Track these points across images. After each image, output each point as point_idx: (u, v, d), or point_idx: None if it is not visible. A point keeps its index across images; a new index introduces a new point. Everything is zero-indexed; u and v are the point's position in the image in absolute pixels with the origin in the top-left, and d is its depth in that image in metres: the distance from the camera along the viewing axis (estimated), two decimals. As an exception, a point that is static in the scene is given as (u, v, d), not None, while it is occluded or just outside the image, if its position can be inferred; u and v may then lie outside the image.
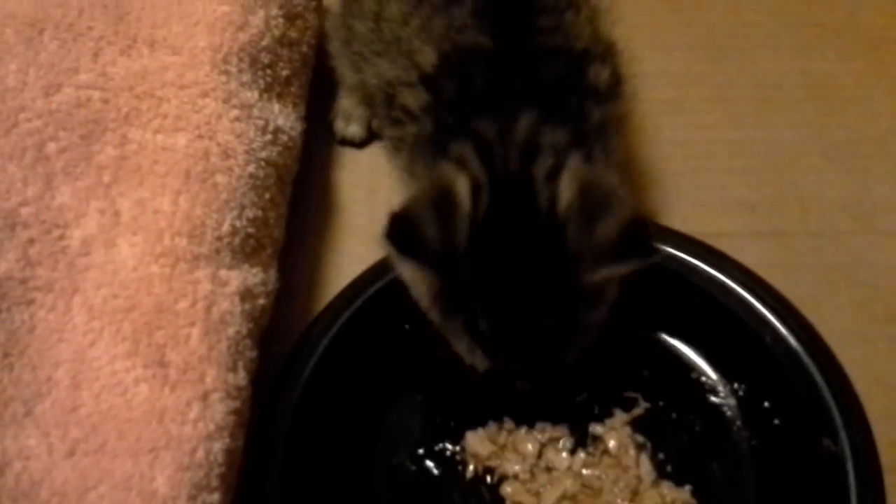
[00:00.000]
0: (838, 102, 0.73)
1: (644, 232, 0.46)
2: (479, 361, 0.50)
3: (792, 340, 0.55)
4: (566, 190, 0.47)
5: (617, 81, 0.54)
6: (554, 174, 0.48)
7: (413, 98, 0.53)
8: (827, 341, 0.56)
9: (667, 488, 0.53)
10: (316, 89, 0.69)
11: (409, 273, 0.49)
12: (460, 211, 0.46)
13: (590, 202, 0.47)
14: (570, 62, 0.53)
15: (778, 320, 0.56)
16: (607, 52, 0.54)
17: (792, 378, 0.55)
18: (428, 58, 0.53)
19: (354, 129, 0.69)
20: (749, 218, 0.66)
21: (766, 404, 0.55)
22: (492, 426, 0.56)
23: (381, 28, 0.57)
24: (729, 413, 0.56)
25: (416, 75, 0.53)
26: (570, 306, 0.47)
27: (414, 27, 0.54)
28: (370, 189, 0.68)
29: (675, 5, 0.79)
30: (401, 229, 0.46)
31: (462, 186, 0.47)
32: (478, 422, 0.56)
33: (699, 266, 0.57)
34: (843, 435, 0.52)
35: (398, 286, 0.58)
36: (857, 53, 0.77)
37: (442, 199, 0.46)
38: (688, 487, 0.53)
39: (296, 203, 0.63)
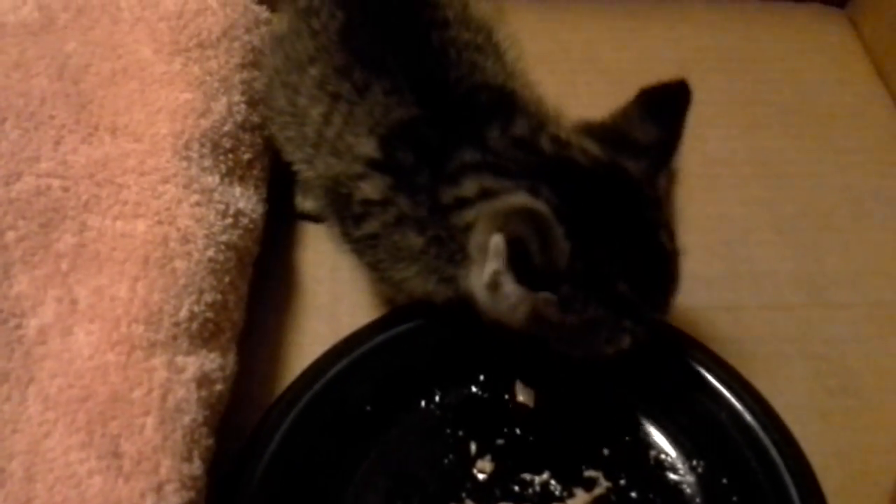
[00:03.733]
0: (787, 178, 0.76)
1: (658, 87, 0.52)
2: (622, 340, 0.50)
3: (748, 416, 0.56)
4: (588, 143, 0.51)
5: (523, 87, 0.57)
6: (558, 142, 0.51)
7: (371, 187, 0.54)
8: (782, 415, 0.57)
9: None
10: (277, 167, 0.69)
11: (531, 307, 0.49)
12: (549, 218, 0.46)
13: (609, 135, 0.52)
14: (498, 91, 0.55)
15: (733, 396, 0.57)
16: (522, 82, 0.58)
17: (748, 454, 0.55)
18: (367, 147, 0.54)
19: (311, 204, 0.70)
20: (703, 293, 0.67)
21: (725, 481, 0.56)
22: (453, 509, 0.55)
23: (304, 133, 0.58)
24: (689, 490, 0.56)
25: (362, 167, 0.54)
26: (664, 217, 0.51)
27: (337, 125, 0.56)
28: (333, 268, 0.69)
29: (626, 85, 0.81)
30: (526, 262, 0.46)
31: (530, 200, 0.47)
32: (439, 504, 0.56)
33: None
34: (799, 510, 0.53)
35: (359, 367, 0.59)
36: (805, 131, 0.80)
37: (534, 219, 0.46)
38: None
39: (257, 283, 0.63)
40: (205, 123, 0.58)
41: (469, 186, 0.51)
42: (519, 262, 0.47)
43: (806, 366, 0.64)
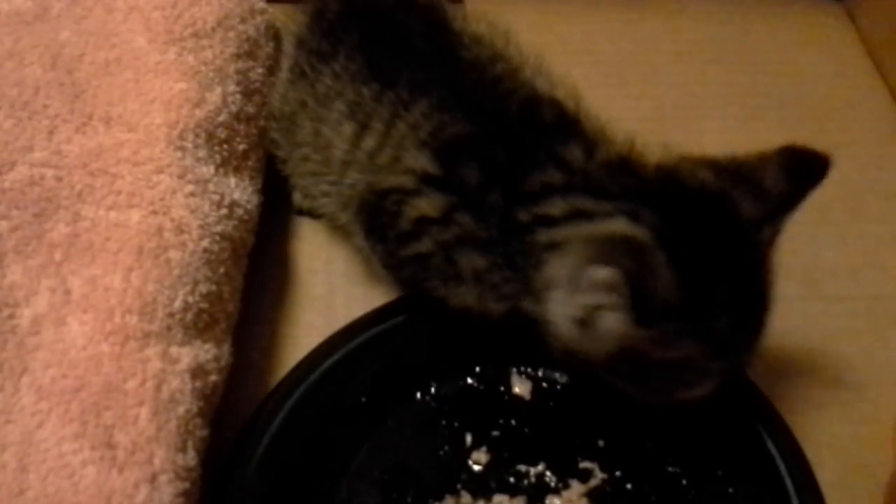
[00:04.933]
0: (784, 171, 0.76)
1: (803, 152, 0.50)
2: (704, 384, 0.48)
3: (743, 407, 0.56)
4: (700, 171, 0.49)
5: (580, 110, 0.56)
6: (664, 170, 0.50)
7: (429, 205, 0.52)
8: (778, 407, 0.57)
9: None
10: (273, 159, 0.69)
11: (628, 336, 0.46)
12: (655, 249, 0.44)
13: (732, 170, 0.49)
14: (552, 103, 0.54)
15: (729, 389, 0.56)
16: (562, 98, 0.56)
17: (744, 446, 0.55)
18: (420, 161, 0.52)
19: (310, 203, 0.70)
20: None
21: (720, 473, 0.56)
22: (449, 501, 0.55)
23: (327, 151, 0.58)
24: (684, 482, 0.56)
25: (417, 180, 0.52)
26: (767, 265, 0.49)
27: (374, 139, 0.55)
28: (327, 260, 0.69)
29: (623, 79, 0.81)
30: (649, 304, 0.44)
31: (632, 229, 0.46)
32: (434, 496, 0.55)
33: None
34: (794, 502, 0.53)
35: (355, 358, 0.59)
36: (801, 124, 0.80)
37: (636, 251, 0.44)
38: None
39: (252, 275, 0.63)
40: (199, 113, 0.58)
41: (556, 205, 0.49)
42: (640, 300, 0.43)
43: (803, 359, 0.64)
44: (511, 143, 0.51)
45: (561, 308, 0.48)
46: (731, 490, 0.55)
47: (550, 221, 0.49)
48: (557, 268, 0.48)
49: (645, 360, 0.47)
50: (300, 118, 0.60)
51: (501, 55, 0.57)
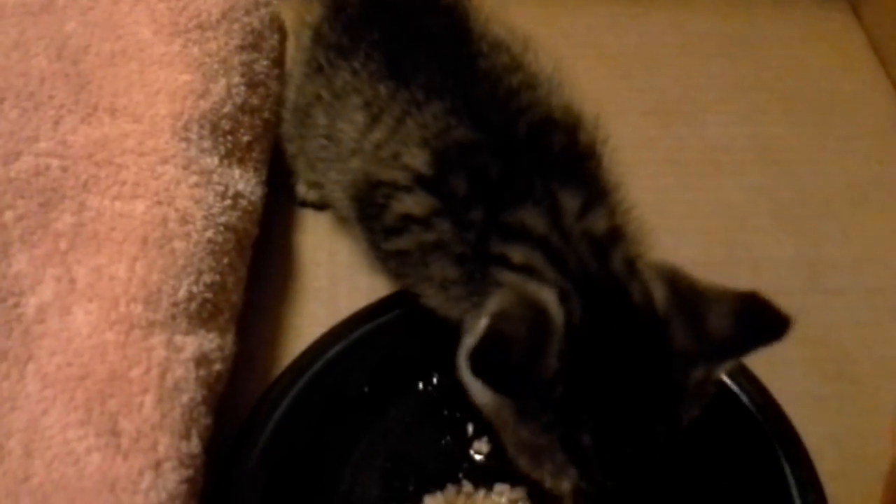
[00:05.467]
0: (787, 165, 0.76)
1: (762, 304, 0.44)
2: (563, 483, 0.46)
3: (744, 399, 0.56)
4: (656, 286, 0.46)
5: (596, 140, 0.54)
6: (630, 267, 0.47)
7: (415, 203, 0.52)
8: (778, 400, 0.57)
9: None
10: (278, 151, 0.70)
11: (492, 400, 0.46)
12: (554, 331, 0.43)
13: (686, 298, 0.45)
14: (566, 130, 0.52)
15: (729, 380, 0.57)
16: (580, 118, 0.54)
17: (744, 437, 0.55)
18: (418, 160, 0.52)
19: (315, 194, 0.70)
20: (701, 278, 0.67)
21: (718, 462, 0.56)
22: (450, 490, 0.56)
23: (338, 140, 0.58)
24: (682, 473, 0.56)
25: (411, 178, 0.52)
26: (675, 410, 0.44)
27: (382, 133, 0.54)
28: (331, 251, 0.69)
29: (626, 72, 0.82)
30: (490, 360, 0.42)
31: (552, 304, 0.44)
32: (436, 485, 0.56)
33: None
34: (794, 493, 0.53)
35: (357, 349, 0.59)
36: (806, 117, 0.80)
37: (536, 324, 0.43)
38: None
39: (255, 266, 0.63)
40: (204, 105, 0.58)
41: (519, 254, 0.48)
42: (488, 355, 0.42)
43: (803, 351, 0.64)
44: (510, 164, 0.50)
45: (462, 355, 0.47)
46: (728, 480, 0.55)
47: (508, 265, 0.48)
48: (485, 309, 0.46)
49: (514, 431, 0.46)
50: (315, 110, 0.61)
51: (520, 64, 0.56)
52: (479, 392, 0.46)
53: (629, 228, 0.51)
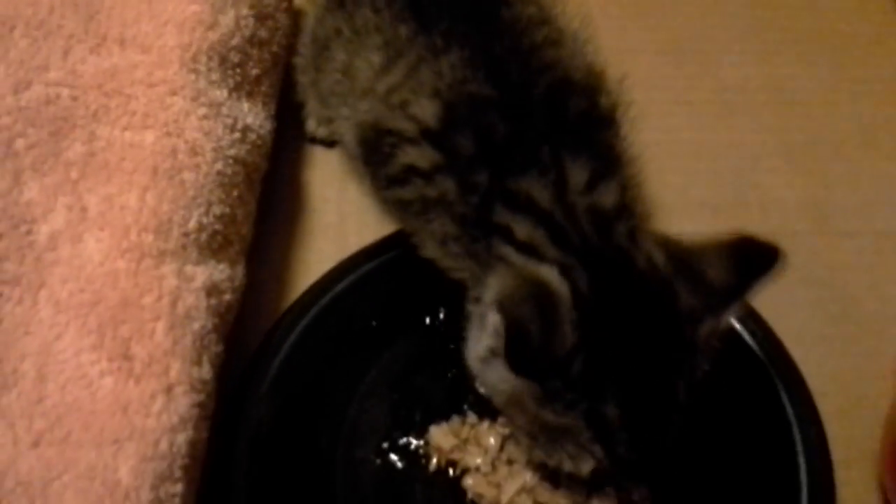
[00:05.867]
0: (799, 106, 0.75)
1: (752, 243, 0.46)
2: (583, 464, 0.46)
3: (747, 338, 0.57)
4: (656, 251, 0.46)
5: (617, 107, 0.53)
6: (632, 237, 0.47)
7: (420, 157, 0.51)
8: (784, 340, 0.58)
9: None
10: (287, 87, 0.69)
11: (514, 388, 0.45)
12: (561, 304, 0.43)
13: (684, 256, 0.45)
14: (585, 94, 0.51)
15: (734, 320, 0.57)
16: (603, 81, 0.53)
17: (747, 376, 0.56)
18: (427, 111, 0.51)
19: (325, 130, 0.70)
20: (710, 219, 0.68)
21: (721, 401, 0.56)
22: (455, 420, 0.57)
23: (353, 77, 0.57)
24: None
25: (418, 130, 0.51)
26: (691, 368, 0.44)
27: (397, 77, 0.53)
28: (340, 188, 0.69)
29: (640, 10, 0.80)
30: (521, 354, 0.42)
31: (554, 279, 0.44)
32: (441, 416, 0.57)
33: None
34: (795, 430, 0.54)
35: (366, 283, 0.60)
36: (820, 59, 0.79)
37: (543, 302, 0.43)
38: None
39: (265, 201, 0.64)
40: (212, 36, 0.58)
41: (524, 229, 0.47)
42: (517, 348, 0.42)
43: (808, 292, 0.65)
44: (521, 126, 0.49)
45: (471, 343, 0.48)
46: (731, 419, 0.56)
47: (511, 240, 0.47)
48: (488, 288, 0.47)
49: (535, 416, 0.46)
50: (333, 44, 0.60)
51: (547, 18, 0.55)
52: (499, 382, 0.46)
53: (637, 205, 0.50)
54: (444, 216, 0.51)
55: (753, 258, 0.45)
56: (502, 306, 0.43)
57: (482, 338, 0.46)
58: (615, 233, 0.47)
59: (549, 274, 0.44)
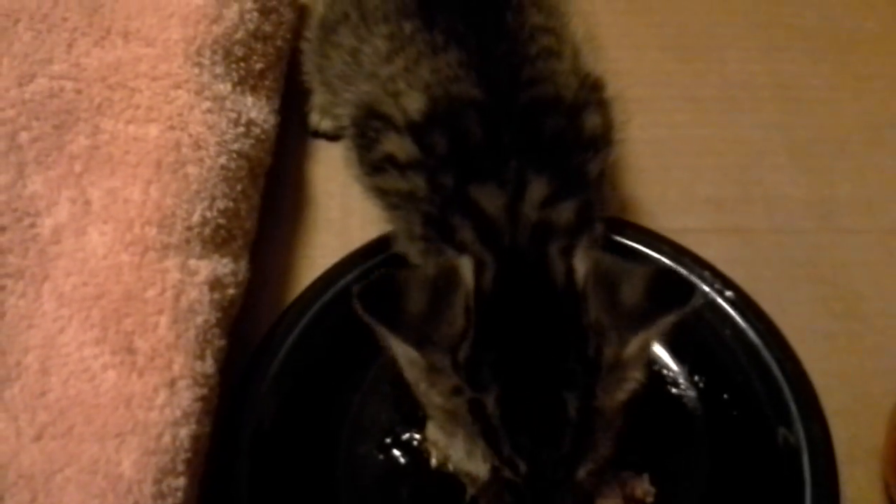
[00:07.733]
0: (804, 103, 0.75)
1: (674, 277, 0.46)
2: (477, 465, 0.45)
3: (751, 334, 0.57)
4: (581, 265, 0.46)
5: (609, 127, 0.53)
6: (565, 252, 0.47)
7: (399, 148, 0.51)
8: (788, 336, 0.57)
9: (626, 475, 0.54)
10: (291, 82, 0.69)
11: (401, 352, 0.45)
12: (460, 288, 0.44)
13: (606, 274, 0.45)
14: (566, 114, 0.51)
15: (738, 315, 0.57)
16: (597, 96, 0.53)
17: (751, 372, 0.56)
18: (415, 103, 0.51)
19: (328, 124, 0.70)
20: (714, 215, 0.68)
21: (725, 396, 0.57)
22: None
23: (359, 62, 0.57)
24: (689, 405, 0.57)
25: (403, 120, 0.52)
26: (591, 388, 0.43)
27: (398, 66, 0.53)
28: (344, 183, 0.69)
29: (646, 6, 0.80)
30: (378, 294, 0.43)
31: (466, 268, 0.45)
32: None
33: (663, 262, 0.58)
34: (799, 427, 0.54)
35: (370, 278, 0.59)
36: (825, 55, 0.79)
37: (441, 276, 0.44)
38: (646, 475, 0.54)
39: (269, 195, 0.64)
40: (217, 30, 0.57)
41: (467, 235, 0.48)
42: (377, 294, 0.43)
43: (813, 289, 0.65)
44: (497, 134, 0.49)
45: None
46: (735, 413, 0.56)
47: (454, 242, 0.48)
48: None
49: (428, 399, 0.46)
50: (342, 28, 0.60)
51: (552, 28, 0.55)
52: (385, 339, 0.45)
53: (592, 228, 0.50)
54: (413, 213, 0.51)
55: (669, 291, 0.44)
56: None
57: None
58: (549, 245, 0.47)
59: (464, 263, 0.45)
